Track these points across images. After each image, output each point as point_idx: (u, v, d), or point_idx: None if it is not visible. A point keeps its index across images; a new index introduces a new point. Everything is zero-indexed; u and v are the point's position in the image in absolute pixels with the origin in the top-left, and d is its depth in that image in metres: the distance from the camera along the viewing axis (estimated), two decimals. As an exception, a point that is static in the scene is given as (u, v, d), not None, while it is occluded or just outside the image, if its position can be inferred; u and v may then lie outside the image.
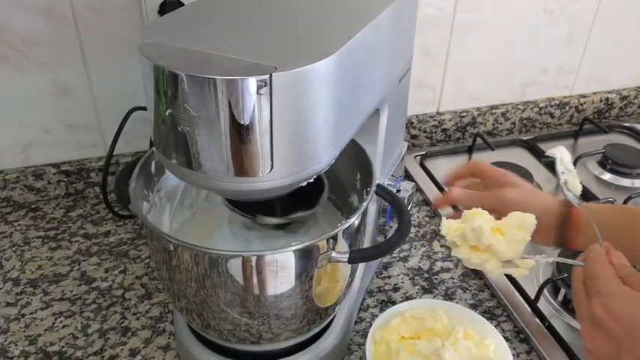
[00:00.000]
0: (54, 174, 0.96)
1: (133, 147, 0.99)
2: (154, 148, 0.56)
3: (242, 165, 0.48)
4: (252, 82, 0.44)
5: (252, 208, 0.64)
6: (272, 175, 0.49)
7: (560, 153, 0.55)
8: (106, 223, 0.93)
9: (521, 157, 1.14)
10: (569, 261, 0.53)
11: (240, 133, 0.46)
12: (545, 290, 0.79)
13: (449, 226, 0.56)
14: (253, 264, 0.53)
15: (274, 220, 0.64)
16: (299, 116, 0.47)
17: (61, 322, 0.75)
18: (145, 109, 0.52)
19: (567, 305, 0.78)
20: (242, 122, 0.46)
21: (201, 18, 0.54)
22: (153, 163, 0.65)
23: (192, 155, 0.48)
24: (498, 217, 0.57)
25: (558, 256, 0.76)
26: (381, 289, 0.81)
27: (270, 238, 0.67)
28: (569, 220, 0.64)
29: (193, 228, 0.71)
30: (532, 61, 1.18)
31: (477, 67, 1.14)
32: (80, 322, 0.75)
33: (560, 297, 0.79)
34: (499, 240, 0.53)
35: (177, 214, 0.70)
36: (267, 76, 0.44)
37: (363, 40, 0.53)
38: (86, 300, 0.79)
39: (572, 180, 0.56)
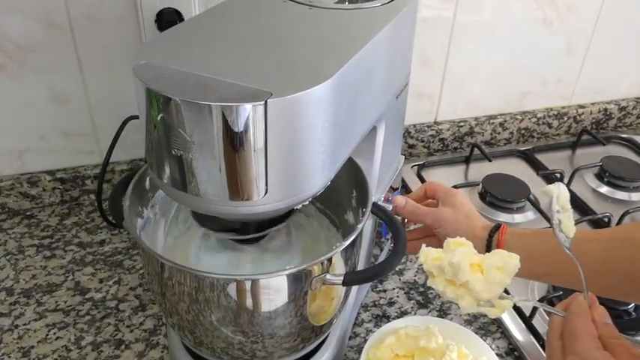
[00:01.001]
0: (49, 181, 0.96)
1: (129, 154, 0.98)
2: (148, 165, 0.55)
3: (237, 189, 0.47)
4: (247, 108, 0.43)
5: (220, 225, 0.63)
6: (267, 199, 0.48)
7: (559, 191, 0.54)
8: (101, 232, 0.93)
9: (518, 168, 1.14)
10: (549, 308, 0.50)
11: (235, 158, 0.46)
12: (540, 308, 0.79)
13: (427, 255, 0.54)
14: (247, 288, 0.53)
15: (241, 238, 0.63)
16: (294, 141, 0.47)
17: (55, 333, 0.75)
18: (140, 117, 0.52)
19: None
20: (237, 147, 0.45)
21: (198, 37, 0.53)
22: (147, 179, 0.64)
23: (187, 178, 0.48)
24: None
25: (538, 300, 0.75)
26: (376, 303, 0.81)
27: (262, 250, 0.67)
28: (493, 248, 0.64)
29: (189, 242, 0.70)
30: (531, 70, 1.17)
31: (476, 76, 1.14)
32: (74, 334, 0.75)
33: (556, 314, 0.79)
34: (477, 279, 0.51)
35: (172, 228, 0.70)
36: (262, 102, 0.43)
37: (360, 62, 0.52)
38: (80, 311, 0.78)
39: (566, 221, 0.54)
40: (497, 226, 0.65)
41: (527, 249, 0.61)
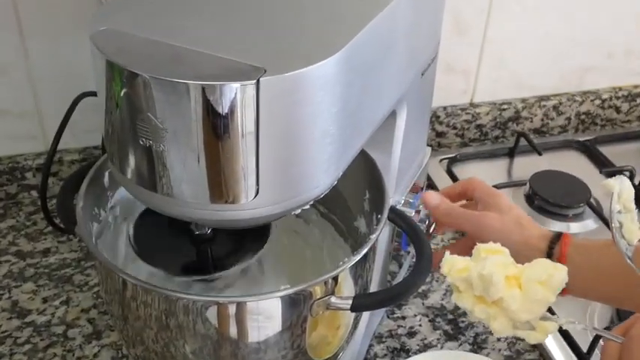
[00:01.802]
0: (-21, 173, 0.97)
1: (81, 141, 1.00)
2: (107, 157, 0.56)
3: (220, 190, 0.48)
4: (234, 89, 0.44)
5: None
6: (257, 201, 0.49)
7: (621, 185, 0.55)
8: (45, 239, 0.94)
9: (576, 164, 1.15)
10: (604, 333, 0.52)
11: (218, 150, 0.47)
12: (600, 341, 0.80)
13: (452, 264, 0.55)
14: (231, 312, 0.54)
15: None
16: (292, 130, 0.48)
17: (-14, 366, 0.76)
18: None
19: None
20: (220, 137, 0.46)
21: (173, -2, 0.54)
22: (106, 173, 0.65)
23: (157, 175, 0.49)
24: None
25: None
26: (393, 333, 0.82)
27: (254, 272, 0.68)
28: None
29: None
30: (594, 40, 1.18)
31: (523, 47, 1.15)
32: (10, 368, 0.76)
33: (620, 349, 0.80)
34: (513, 296, 0.52)
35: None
36: (253, 81, 0.44)
37: (375, 32, 0.53)
38: (18, 339, 0.80)
39: (628, 224, 0.55)
40: (559, 236, 0.66)
41: (596, 265, 0.63)
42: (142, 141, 0.48)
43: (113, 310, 0.61)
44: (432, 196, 0.72)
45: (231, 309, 0.54)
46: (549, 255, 0.66)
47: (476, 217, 0.69)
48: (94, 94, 0.80)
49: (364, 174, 0.67)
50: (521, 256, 0.57)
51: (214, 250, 0.66)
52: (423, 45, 0.69)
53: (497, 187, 0.98)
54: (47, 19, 0.89)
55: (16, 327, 0.81)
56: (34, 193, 1.01)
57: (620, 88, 1.25)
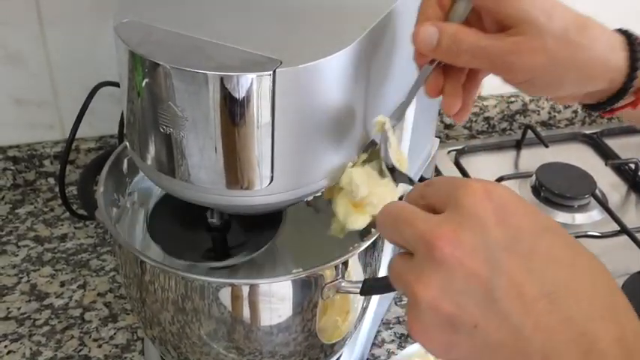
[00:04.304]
0: (-1, 160, 0.99)
1: (98, 130, 1.01)
2: (126, 143, 0.58)
3: (236, 176, 0.50)
4: (251, 79, 0.46)
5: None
6: (271, 188, 0.51)
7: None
8: (62, 225, 0.96)
9: (582, 156, 1.16)
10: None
11: (235, 138, 0.49)
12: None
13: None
14: (244, 294, 0.56)
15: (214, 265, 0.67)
16: (307, 119, 0.50)
17: (6, 347, 0.78)
18: (116, 84, 0.55)
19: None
20: (237, 125, 0.48)
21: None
22: (125, 160, 0.67)
23: (176, 161, 0.51)
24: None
25: None
26: (401, 319, 0.84)
27: (265, 259, 0.70)
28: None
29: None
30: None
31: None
32: (29, 348, 0.78)
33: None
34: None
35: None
36: (269, 72, 0.46)
37: (388, 25, 0.55)
38: (37, 320, 0.82)
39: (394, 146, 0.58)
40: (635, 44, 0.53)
41: None
42: (163, 129, 0.49)
43: (131, 292, 0.63)
44: (425, 31, 0.51)
45: (245, 290, 0.56)
46: (630, 77, 0.53)
47: (505, 53, 0.50)
48: (111, 83, 0.84)
49: (374, 163, 0.69)
50: (593, 60, 0.51)
51: (228, 237, 0.68)
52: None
53: (503, 178, 1.01)
54: (66, 8, 0.91)
55: (35, 309, 0.83)
56: (52, 181, 1.03)
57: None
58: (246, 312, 0.57)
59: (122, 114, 0.72)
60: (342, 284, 0.58)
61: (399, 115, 0.57)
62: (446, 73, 0.54)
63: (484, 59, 0.51)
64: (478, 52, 0.50)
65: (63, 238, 0.94)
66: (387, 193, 0.57)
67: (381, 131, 0.56)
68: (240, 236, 0.68)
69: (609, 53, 0.53)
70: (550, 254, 0.38)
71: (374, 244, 0.61)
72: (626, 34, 0.54)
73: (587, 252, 0.39)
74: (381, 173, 0.58)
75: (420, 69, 0.55)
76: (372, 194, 0.56)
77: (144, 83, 0.49)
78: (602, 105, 0.56)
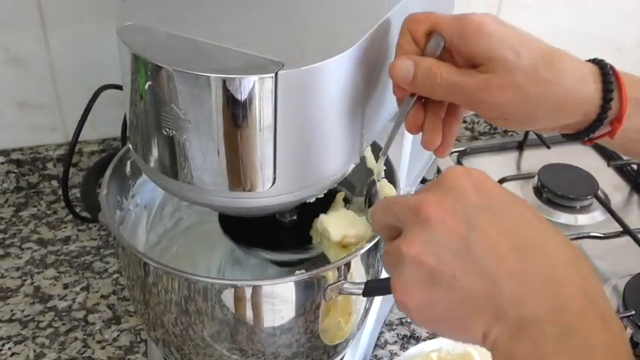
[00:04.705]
0: (2, 163, 1.00)
1: (100, 132, 1.02)
2: (129, 146, 0.59)
3: (238, 178, 0.51)
4: (253, 81, 0.46)
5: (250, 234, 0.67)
6: (274, 189, 0.52)
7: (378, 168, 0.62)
8: (66, 227, 0.97)
9: (584, 157, 1.16)
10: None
11: (237, 140, 0.49)
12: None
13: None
14: (247, 296, 0.56)
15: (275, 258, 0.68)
16: (308, 121, 0.50)
17: (10, 349, 0.79)
18: (119, 87, 0.55)
19: (635, 349, 0.81)
20: (240, 128, 0.48)
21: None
22: (128, 163, 0.68)
23: (179, 164, 0.51)
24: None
25: None
26: (403, 321, 0.84)
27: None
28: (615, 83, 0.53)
29: (175, 241, 0.74)
30: (603, 34, 1.19)
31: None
32: (33, 350, 0.79)
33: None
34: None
35: (156, 224, 0.74)
36: (271, 75, 0.46)
37: (389, 26, 0.55)
38: (40, 323, 0.82)
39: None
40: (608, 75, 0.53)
41: None
42: (166, 131, 0.50)
43: (135, 294, 0.63)
44: (402, 64, 0.52)
45: (248, 292, 0.56)
46: (604, 109, 0.53)
47: (476, 90, 0.51)
48: (114, 86, 0.84)
49: (376, 165, 0.69)
50: (567, 93, 0.51)
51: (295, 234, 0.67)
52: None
53: (506, 179, 1.01)
54: (69, 11, 0.92)
55: (39, 311, 0.84)
56: (55, 183, 1.03)
57: (629, 83, 1.25)
58: (249, 313, 0.57)
59: (125, 117, 0.72)
60: (345, 286, 0.58)
61: (385, 150, 0.60)
62: (426, 108, 0.56)
63: (458, 94, 0.52)
64: (452, 87, 0.52)
65: (66, 240, 0.94)
66: (366, 229, 0.61)
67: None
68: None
69: (581, 86, 0.52)
70: (521, 217, 0.43)
71: (376, 245, 0.61)
72: (600, 64, 0.54)
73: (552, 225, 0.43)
74: (363, 210, 0.63)
75: (400, 103, 0.56)
76: (347, 236, 0.60)
77: (146, 86, 0.49)
78: (579, 135, 0.56)
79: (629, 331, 0.82)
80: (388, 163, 0.68)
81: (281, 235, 0.67)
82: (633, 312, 0.82)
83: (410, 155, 0.73)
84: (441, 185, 0.44)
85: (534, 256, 0.41)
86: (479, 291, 0.40)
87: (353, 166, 0.56)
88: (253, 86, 0.46)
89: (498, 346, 0.40)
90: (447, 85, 0.52)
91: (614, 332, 0.39)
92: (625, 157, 1.13)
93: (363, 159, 0.61)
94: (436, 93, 0.53)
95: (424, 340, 0.80)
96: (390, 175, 0.67)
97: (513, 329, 0.39)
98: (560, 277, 0.40)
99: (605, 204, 1.01)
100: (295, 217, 0.66)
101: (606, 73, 0.53)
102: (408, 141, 0.71)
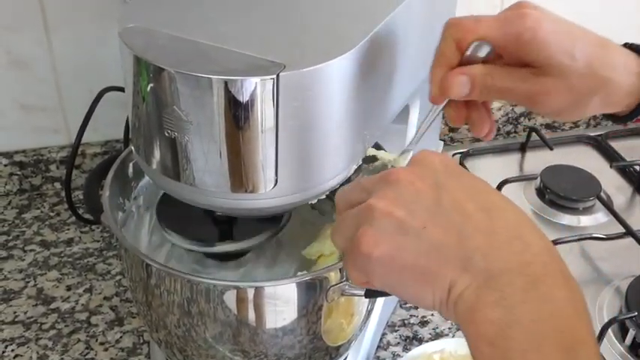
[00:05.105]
0: (5, 165, 1.00)
1: (103, 135, 1.02)
2: (131, 148, 0.59)
3: (240, 179, 0.51)
4: (255, 83, 0.47)
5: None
6: (276, 191, 0.52)
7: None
8: (69, 229, 0.97)
9: (586, 158, 1.16)
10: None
11: (239, 141, 0.49)
12: (609, 331, 0.81)
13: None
14: (249, 297, 0.56)
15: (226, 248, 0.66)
16: (310, 122, 0.50)
17: (13, 350, 0.79)
18: (121, 89, 0.55)
19: (637, 351, 0.81)
20: (241, 129, 0.48)
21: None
22: (130, 164, 0.68)
23: (181, 165, 0.51)
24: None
25: (608, 321, 0.77)
26: (406, 322, 0.84)
27: (267, 256, 0.70)
28: None
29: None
30: (605, 35, 1.18)
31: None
32: (36, 352, 0.79)
33: (629, 340, 0.82)
34: None
35: (159, 225, 0.73)
36: (273, 76, 0.46)
37: (391, 27, 0.55)
38: (43, 324, 0.82)
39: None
40: None
41: None
42: (168, 133, 0.50)
43: (137, 296, 0.64)
44: (458, 82, 0.54)
45: (250, 293, 0.56)
46: None
47: (532, 93, 0.54)
48: (117, 88, 0.84)
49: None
50: (608, 81, 0.54)
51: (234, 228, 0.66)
52: (436, 40, 0.71)
53: (508, 180, 1.01)
54: (71, 14, 0.92)
55: (42, 313, 0.84)
56: (58, 185, 1.03)
57: (632, 84, 1.25)
58: (251, 315, 0.58)
59: (127, 119, 0.73)
60: (347, 287, 0.58)
61: (412, 145, 0.62)
62: (467, 102, 0.58)
63: (512, 97, 0.55)
64: (506, 92, 0.54)
65: (69, 242, 0.95)
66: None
67: None
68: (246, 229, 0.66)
69: (627, 79, 0.55)
70: (485, 188, 0.44)
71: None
72: (638, 51, 0.56)
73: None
74: None
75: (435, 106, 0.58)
76: None
77: (149, 88, 0.49)
78: (622, 119, 0.59)
79: (632, 332, 0.82)
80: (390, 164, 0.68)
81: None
82: (636, 313, 0.82)
83: (412, 154, 0.73)
84: (411, 162, 0.46)
85: (500, 217, 0.42)
86: (448, 242, 0.41)
87: (355, 167, 0.56)
88: (255, 88, 0.47)
89: (464, 297, 0.40)
90: (501, 92, 0.54)
91: (574, 289, 0.40)
92: (628, 159, 1.13)
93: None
94: (490, 98, 0.56)
95: (427, 341, 0.80)
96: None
97: (480, 279, 0.40)
98: (526, 237, 0.41)
99: (608, 205, 1.01)
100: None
101: None
102: (411, 137, 0.71)
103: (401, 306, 0.87)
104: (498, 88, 0.54)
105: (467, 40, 0.54)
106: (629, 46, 0.57)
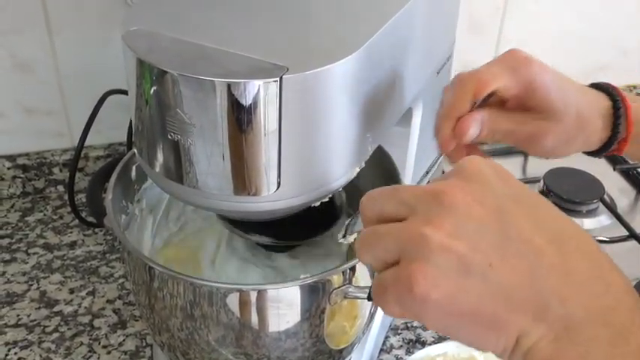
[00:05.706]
0: (8, 168, 1.00)
1: (106, 138, 1.02)
2: (134, 151, 0.59)
3: (243, 182, 0.51)
4: (258, 86, 0.46)
5: (251, 226, 0.67)
6: (279, 194, 0.52)
7: None
8: (72, 232, 0.97)
9: (590, 160, 1.13)
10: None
11: (242, 144, 0.49)
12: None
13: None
14: (252, 300, 0.56)
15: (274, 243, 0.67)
16: (313, 125, 0.50)
17: (16, 353, 0.79)
18: (124, 92, 0.55)
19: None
20: (244, 132, 0.48)
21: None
22: (133, 167, 0.68)
23: (184, 168, 0.51)
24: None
25: None
26: (409, 325, 0.84)
27: (273, 262, 0.70)
28: (624, 113, 0.60)
29: (180, 245, 0.74)
30: (609, 36, 1.19)
31: (538, 44, 1.15)
32: (39, 355, 0.79)
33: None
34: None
35: (162, 228, 0.74)
36: (276, 79, 0.46)
37: (393, 31, 0.55)
38: (46, 327, 0.82)
39: None
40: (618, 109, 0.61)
41: None
42: (171, 135, 0.50)
43: (140, 299, 0.64)
44: (472, 130, 0.58)
45: (253, 296, 0.56)
46: (613, 136, 0.61)
47: (532, 135, 0.59)
48: (120, 91, 0.84)
49: (380, 169, 0.68)
50: (580, 117, 0.59)
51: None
52: (439, 44, 0.71)
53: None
54: (75, 17, 0.92)
55: (45, 316, 0.84)
56: (61, 188, 1.03)
57: (635, 87, 1.26)
58: (254, 318, 0.58)
59: (130, 121, 0.73)
60: (350, 290, 0.58)
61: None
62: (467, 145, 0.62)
63: (513, 138, 0.60)
64: (510, 134, 0.59)
65: (72, 245, 0.95)
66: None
67: None
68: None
69: (601, 117, 0.61)
70: (547, 208, 0.39)
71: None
72: (610, 95, 0.61)
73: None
74: None
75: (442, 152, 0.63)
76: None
77: (152, 91, 0.49)
78: (594, 153, 0.65)
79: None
80: (392, 165, 0.68)
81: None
82: None
83: (415, 157, 0.73)
84: (461, 172, 0.40)
85: (573, 250, 0.37)
86: (518, 283, 0.36)
87: (358, 170, 0.56)
88: (258, 90, 0.47)
89: (539, 349, 0.35)
90: (504, 134, 0.59)
91: None
92: (631, 161, 1.13)
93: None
94: (492, 141, 0.61)
95: (430, 344, 0.80)
96: (394, 180, 0.67)
97: (558, 330, 0.35)
98: (607, 276, 0.37)
99: (611, 208, 1.01)
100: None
101: (618, 108, 0.60)
102: (413, 142, 0.71)
103: (404, 309, 0.86)
104: (503, 131, 0.59)
105: (483, 93, 0.57)
106: (595, 86, 0.63)
